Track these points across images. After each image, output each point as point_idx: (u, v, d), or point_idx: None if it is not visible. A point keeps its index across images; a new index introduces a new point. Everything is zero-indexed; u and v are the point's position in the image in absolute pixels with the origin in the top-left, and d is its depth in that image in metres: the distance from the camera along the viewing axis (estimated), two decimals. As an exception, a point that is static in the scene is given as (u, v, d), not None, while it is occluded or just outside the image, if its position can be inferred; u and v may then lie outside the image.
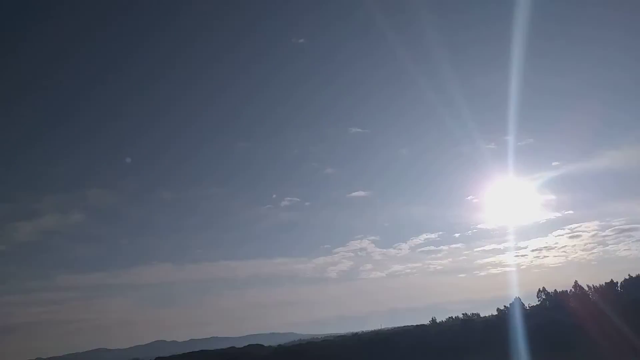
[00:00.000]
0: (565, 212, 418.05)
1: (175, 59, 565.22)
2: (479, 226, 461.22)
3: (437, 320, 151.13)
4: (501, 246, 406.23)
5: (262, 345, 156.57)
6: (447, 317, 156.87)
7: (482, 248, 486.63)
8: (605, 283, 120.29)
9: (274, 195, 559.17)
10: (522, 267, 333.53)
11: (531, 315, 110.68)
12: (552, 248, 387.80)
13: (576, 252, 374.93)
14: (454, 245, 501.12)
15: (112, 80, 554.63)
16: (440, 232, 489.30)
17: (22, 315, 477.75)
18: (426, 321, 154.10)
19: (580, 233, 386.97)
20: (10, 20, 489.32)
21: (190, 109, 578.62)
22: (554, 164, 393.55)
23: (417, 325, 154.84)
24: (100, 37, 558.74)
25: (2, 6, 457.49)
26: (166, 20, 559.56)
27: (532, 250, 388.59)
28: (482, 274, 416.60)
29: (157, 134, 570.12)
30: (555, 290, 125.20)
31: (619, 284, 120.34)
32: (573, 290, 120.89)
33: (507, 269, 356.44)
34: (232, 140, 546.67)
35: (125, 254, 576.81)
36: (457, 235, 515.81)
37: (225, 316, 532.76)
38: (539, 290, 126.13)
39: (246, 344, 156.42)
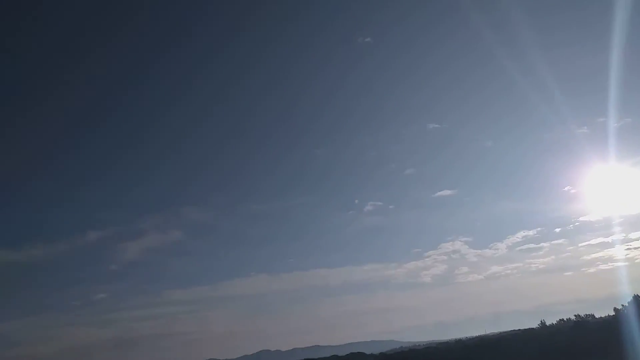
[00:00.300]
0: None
1: (243, 75, 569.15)
2: (581, 219, 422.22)
3: (547, 323, 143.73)
4: (609, 239, 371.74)
5: (364, 354, 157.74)
6: (557, 319, 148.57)
7: (587, 242, 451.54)
8: None
9: (356, 201, 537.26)
10: (636, 261, 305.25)
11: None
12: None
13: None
14: (555, 242, 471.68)
15: (188, 100, 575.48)
16: (539, 228, 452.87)
17: (137, 329, 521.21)
18: (534, 324, 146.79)
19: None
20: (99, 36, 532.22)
21: (267, 121, 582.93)
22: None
23: (524, 329, 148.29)
24: (175, 54, 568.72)
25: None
26: (237, 33, 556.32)
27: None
28: (591, 270, 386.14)
29: (238, 149, 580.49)
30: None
31: None
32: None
33: (619, 263, 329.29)
34: (310, 148, 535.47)
35: (223, 267, 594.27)
36: (557, 230, 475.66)
37: (325, 324, 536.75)
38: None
39: (348, 352, 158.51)
